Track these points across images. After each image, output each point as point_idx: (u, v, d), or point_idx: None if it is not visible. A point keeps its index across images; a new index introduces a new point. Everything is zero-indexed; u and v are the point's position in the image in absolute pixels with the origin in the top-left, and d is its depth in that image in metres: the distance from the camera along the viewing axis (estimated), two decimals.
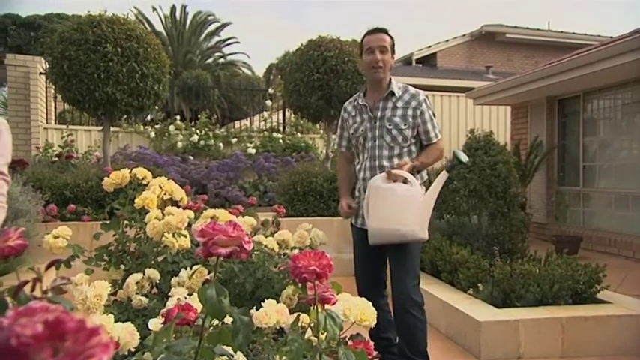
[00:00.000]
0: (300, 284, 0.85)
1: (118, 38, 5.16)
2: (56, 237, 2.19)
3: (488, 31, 14.91)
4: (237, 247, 0.86)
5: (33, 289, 1.00)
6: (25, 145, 7.14)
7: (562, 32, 15.01)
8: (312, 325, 1.16)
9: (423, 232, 2.30)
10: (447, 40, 15.40)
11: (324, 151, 7.15)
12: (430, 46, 15.30)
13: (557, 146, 7.33)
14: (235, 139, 8.41)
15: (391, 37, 2.45)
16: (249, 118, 10.75)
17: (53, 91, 7.72)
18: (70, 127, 7.76)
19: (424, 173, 2.53)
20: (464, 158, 2.39)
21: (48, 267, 1.03)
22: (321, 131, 9.11)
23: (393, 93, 2.44)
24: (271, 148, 8.20)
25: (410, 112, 2.42)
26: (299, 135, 8.94)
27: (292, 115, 9.35)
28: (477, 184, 4.07)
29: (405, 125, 2.41)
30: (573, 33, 14.93)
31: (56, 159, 6.23)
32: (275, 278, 2.55)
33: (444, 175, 2.38)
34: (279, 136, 8.70)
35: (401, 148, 2.43)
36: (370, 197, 2.35)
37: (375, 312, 1.52)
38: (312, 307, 1.09)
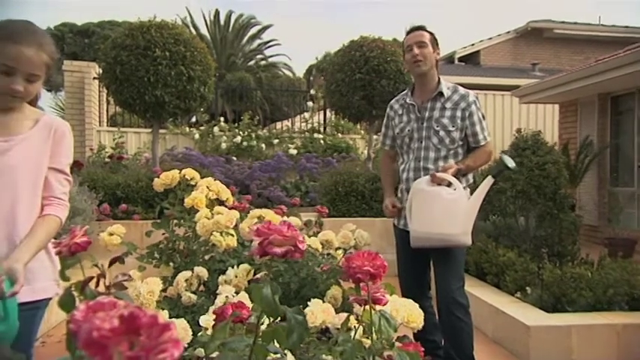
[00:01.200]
0: (353, 284, 0.85)
1: (167, 43, 5.34)
2: (111, 234, 2.28)
3: (535, 27, 14.43)
4: (292, 246, 0.87)
5: (97, 284, 1.06)
6: (80, 146, 7.49)
7: (614, 26, 14.34)
8: (358, 325, 1.16)
9: (466, 238, 2.26)
10: (491, 38, 15.03)
11: (366, 152, 7.13)
12: (473, 44, 14.97)
13: (610, 145, 7.02)
14: (277, 140, 8.51)
15: (430, 33, 2.42)
16: (290, 119, 10.86)
17: (105, 94, 8.07)
18: (121, 129, 8.08)
19: (470, 176, 2.48)
20: (510, 163, 2.33)
21: (110, 264, 1.08)
22: (362, 131, 9.09)
23: (441, 93, 2.40)
24: (312, 149, 8.25)
25: (459, 113, 2.38)
26: (340, 135, 8.95)
27: (333, 116, 9.39)
28: (524, 184, 3.96)
29: (453, 127, 2.37)
30: (626, 27, 14.23)
31: (108, 160, 6.50)
32: (319, 278, 2.57)
33: (489, 180, 2.31)
34: (320, 136, 8.74)
35: (447, 150, 2.38)
36: (413, 200, 2.33)
37: (422, 314, 1.51)
38: (362, 308, 1.10)
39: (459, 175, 2.34)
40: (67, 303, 1.04)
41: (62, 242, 1.07)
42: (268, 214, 2.59)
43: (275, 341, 0.93)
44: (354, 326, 1.11)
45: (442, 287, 2.37)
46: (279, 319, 0.97)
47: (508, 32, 15.02)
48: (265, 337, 0.94)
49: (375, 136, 6.88)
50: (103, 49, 5.56)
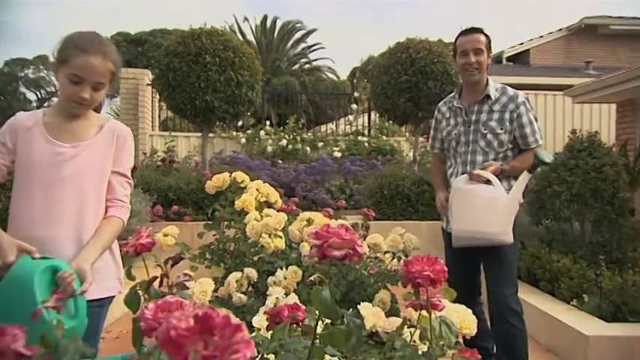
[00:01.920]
0: (412, 289, 0.85)
1: (216, 49, 5.48)
2: (166, 235, 2.36)
3: (589, 24, 13.83)
4: (351, 250, 0.88)
5: (161, 284, 1.11)
6: (134, 150, 7.79)
7: None
8: (414, 330, 1.15)
9: (505, 235, 2.21)
10: (542, 36, 14.53)
11: (411, 154, 7.04)
12: (522, 43, 14.52)
13: None
14: (322, 143, 8.56)
15: (487, 36, 2.36)
16: (334, 122, 10.88)
17: (157, 100, 8.37)
18: (172, 133, 8.36)
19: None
20: (547, 158, 2.26)
21: (173, 264, 1.13)
22: (407, 134, 9.00)
23: (489, 96, 2.35)
24: (356, 151, 8.24)
25: (507, 115, 2.32)
26: (384, 138, 8.90)
27: (377, 118, 9.33)
28: (580, 187, 3.80)
29: (501, 129, 2.31)
30: None
31: (160, 163, 6.74)
32: (367, 282, 2.57)
33: (525, 176, 2.25)
34: (365, 139, 8.72)
35: (496, 154, 2.33)
36: (453, 199, 2.32)
37: (476, 320, 1.48)
38: (417, 313, 1.09)
39: (501, 174, 2.28)
40: (132, 301, 1.09)
41: (128, 243, 1.12)
42: (317, 217, 2.62)
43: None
44: (410, 331, 1.10)
45: (495, 293, 2.31)
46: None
47: (560, 30, 14.48)
48: (322, 340, 0.95)
49: (420, 139, 6.80)
50: (157, 56, 5.78)
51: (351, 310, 1.41)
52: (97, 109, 1.62)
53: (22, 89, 37.11)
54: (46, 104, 33.69)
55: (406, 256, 2.53)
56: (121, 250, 1.65)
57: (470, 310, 1.50)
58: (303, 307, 1.18)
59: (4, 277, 1.27)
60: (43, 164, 1.45)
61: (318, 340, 0.93)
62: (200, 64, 5.43)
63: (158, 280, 1.07)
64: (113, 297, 1.58)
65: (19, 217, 1.46)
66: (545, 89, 9.59)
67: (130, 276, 1.12)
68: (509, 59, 14.32)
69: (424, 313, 1.01)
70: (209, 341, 0.53)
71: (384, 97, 6.03)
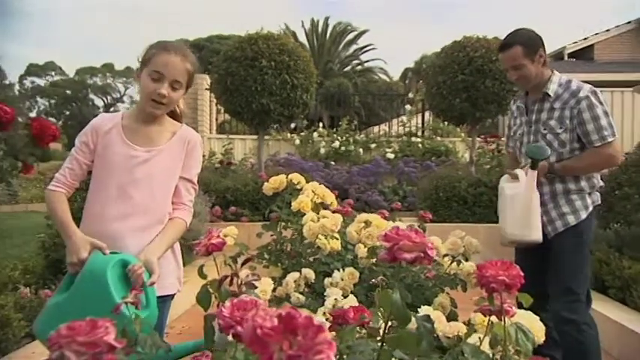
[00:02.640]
0: (486, 294, 0.83)
1: (272, 53, 5.60)
2: (225, 236, 2.42)
3: None
4: (422, 252, 0.87)
5: (231, 283, 1.14)
6: None
7: None
8: (483, 336, 1.12)
9: (522, 233, 2.17)
10: (608, 30, 13.77)
11: (467, 155, 6.87)
12: (586, 38, 13.82)
13: None
14: (374, 144, 8.52)
15: (522, 44, 2.17)
16: (387, 123, 10.80)
17: (215, 104, 8.63)
18: (229, 136, 8.58)
19: (594, 180, 2.24)
20: (538, 154, 2.18)
21: (243, 264, 1.16)
22: (463, 134, 8.80)
23: (548, 94, 2.22)
24: (410, 153, 8.14)
25: (567, 112, 2.16)
26: (439, 139, 8.74)
27: (432, 119, 9.17)
28: None
29: (561, 128, 2.17)
30: None
31: (218, 165, 6.94)
32: (425, 285, 2.53)
33: (531, 174, 2.17)
34: (418, 140, 8.60)
35: (558, 154, 2.19)
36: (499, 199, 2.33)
37: (544, 327, 1.42)
38: (487, 318, 1.07)
39: (570, 175, 2.17)
40: (204, 299, 1.13)
41: (200, 242, 1.16)
42: (375, 218, 2.60)
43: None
44: (480, 337, 1.08)
45: (550, 300, 2.21)
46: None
47: (628, 22, 13.67)
48: (390, 343, 0.95)
49: (478, 139, 6.63)
50: (215, 61, 5.96)
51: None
52: (177, 118, 1.68)
53: (91, 96, 39.49)
54: (111, 109, 35.58)
55: (466, 259, 2.47)
56: (182, 252, 1.72)
57: (537, 317, 1.45)
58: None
59: (79, 272, 1.35)
60: (118, 165, 1.53)
61: (385, 343, 0.93)
62: (257, 68, 5.56)
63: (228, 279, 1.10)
64: (174, 295, 1.64)
65: (92, 213, 1.54)
66: (611, 86, 9.09)
67: (201, 274, 1.16)
68: (571, 55, 13.67)
69: (494, 318, 0.99)
70: (293, 341, 0.54)
71: (440, 97, 5.93)
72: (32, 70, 39.08)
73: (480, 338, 1.09)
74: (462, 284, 2.35)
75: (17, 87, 37.81)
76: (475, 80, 5.64)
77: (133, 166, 1.53)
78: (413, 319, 0.90)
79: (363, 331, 1.17)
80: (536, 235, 2.16)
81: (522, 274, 2.32)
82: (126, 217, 1.51)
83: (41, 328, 1.38)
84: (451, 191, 5.71)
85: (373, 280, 1.36)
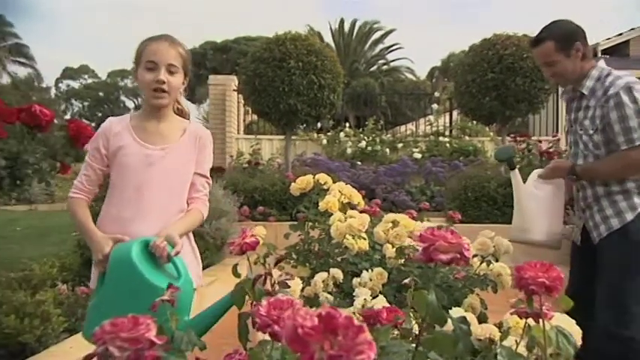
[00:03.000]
0: (525, 296, 0.82)
1: (300, 54, 5.64)
2: (253, 235, 2.44)
3: None
4: (458, 253, 0.86)
5: (264, 282, 1.15)
6: (221, 153, 8.19)
7: None
8: (519, 339, 1.11)
9: (520, 235, 2.23)
10: None
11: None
12: (621, 34, 13.38)
13: None
14: (401, 144, 8.46)
15: (554, 39, 2.03)
16: (414, 123, 10.71)
17: (243, 104, 8.72)
18: (257, 136, 8.64)
19: (615, 185, 2.02)
20: (502, 155, 2.16)
21: (277, 263, 1.17)
22: (492, 134, 8.65)
23: (582, 92, 2.07)
24: (437, 152, 8.05)
25: (598, 111, 1.99)
26: (467, 138, 8.61)
27: (459, 118, 9.05)
28: None
29: (592, 129, 2.02)
30: None
31: (246, 165, 7.01)
32: (455, 286, 2.50)
33: (512, 174, 2.26)
34: (446, 139, 8.50)
35: (594, 157, 2.04)
36: None
37: (581, 332, 1.39)
38: (523, 321, 1.05)
39: (571, 175, 2.09)
40: (238, 298, 1.15)
41: (234, 241, 1.18)
42: (403, 219, 2.59)
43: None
44: (516, 340, 1.06)
45: (595, 312, 2.08)
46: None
47: None
48: (426, 345, 0.94)
49: (507, 138, 6.51)
50: (244, 62, 6.03)
51: None
52: (185, 116, 1.71)
53: (122, 97, 40.52)
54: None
55: (496, 260, 2.44)
56: (211, 252, 1.74)
57: (573, 321, 1.41)
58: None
59: (107, 267, 1.38)
60: (134, 165, 1.55)
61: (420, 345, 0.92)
62: (284, 69, 5.60)
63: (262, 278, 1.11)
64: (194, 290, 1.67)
65: (110, 215, 1.58)
66: None
67: (235, 273, 1.18)
68: (605, 52, 13.27)
69: (531, 321, 0.97)
70: (333, 341, 0.54)
71: (469, 95, 5.85)
72: (67, 73, 40.38)
73: (516, 341, 1.08)
74: (492, 285, 2.31)
75: (53, 90, 39.17)
76: (505, 78, 5.54)
77: (148, 165, 1.56)
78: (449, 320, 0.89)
79: (395, 331, 1.17)
80: (531, 236, 2.16)
81: (573, 278, 2.24)
82: (144, 217, 1.54)
83: (86, 333, 1.41)
84: (480, 191, 5.63)
85: (405, 281, 1.35)
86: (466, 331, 0.87)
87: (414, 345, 0.94)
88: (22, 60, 31.63)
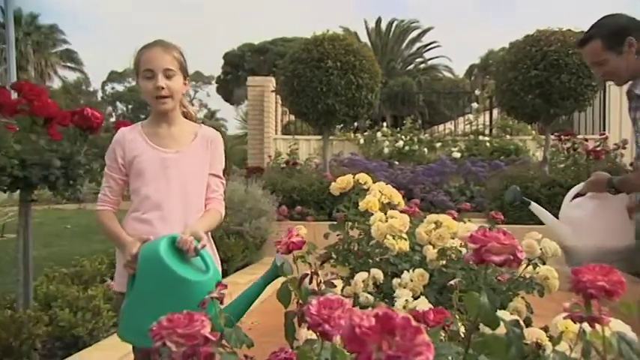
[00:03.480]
0: (584, 300, 0.79)
1: (338, 53, 5.64)
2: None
3: None
4: (511, 255, 0.85)
5: (311, 281, 1.16)
6: (259, 153, 8.30)
7: None
8: (574, 345, 1.07)
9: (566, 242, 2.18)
10: None
11: (539, 154, 6.55)
12: None
13: None
14: (439, 144, 8.34)
15: (602, 37, 1.92)
16: (452, 122, 10.54)
17: (280, 105, 8.81)
18: (294, 137, 8.71)
19: None
20: (509, 198, 2.07)
21: (322, 262, 1.18)
22: (534, 132, 8.41)
23: (636, 92, 1.92)
24: (477, 152, 7.89)
25: None
26: (508, 137, 8.40)
27: (500, 117, 8.84)
28: None
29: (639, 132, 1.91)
30: None
31: (284, 166, 7.08)
32: (499, 289, 2.44)
33: (534, 209, 2.39)
34: (486, 138, 8.32)
35: None
36: None
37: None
38: (579, 326, 1.02)
39: (610, 189, 1.98)
40: (284, 296, 1.16)
41: (281, 240, 1.19)
42: (445, 219, 2.55)
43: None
44: (570, 346, 1.03)
45: None
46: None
47: None
48: (475, 347, 0.92)
49: (551, 137, 6.31)
50: (282, 63, 6.09)
51: None
52: (192, 120, 1.75)
53: None
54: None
55: (543, 263, 2.37)
56: (251, 250, 1.76)
57: (628, 327, 1.36)
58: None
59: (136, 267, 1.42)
60: (151, 170, 1.59)
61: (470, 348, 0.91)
62: (322, 69, 5.62)
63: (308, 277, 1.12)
64: None
65: (134, 220, 1.61)
66: None
67: (282, 272, 1.19)
68: None
69: (586, 326, 0.94)
70: (391, 341, 0.54)
71: (511, 93, 5.70)
72: (113, 76, 41.86)
73: (570, 346, 1.04)
74: (538, 289, 2.25)
75: (100, 93, 40.79)
76: (549, 75, 5.37)
77: (165, 168, 1.60)
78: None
79: (442, 333, 1.16)
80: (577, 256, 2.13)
81: (624, 281, 2.19)
82: (165, 219, 1.57)
83: (121, 333, 1.46)
84: (523, 191, 5.47)
85: (451, 282, 1.33)
86: (519, 334, 0.85)
87: (462, 347, 0.93)
88: (72, 65, 33.14)
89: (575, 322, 1.00)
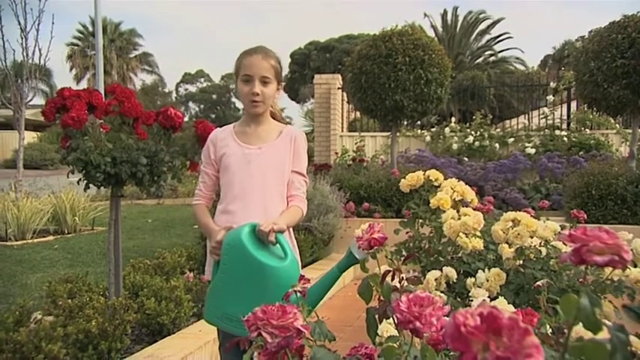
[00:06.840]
0: None
1: (407, 49, 5.56)
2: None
3: None
4: (616, 256, 0.80)
5: (393, 278, 1.15)
6: (326, 150, 8.37)
7: None
8: None
9: None
10: None
11: (626, 149, 6.08)
12: None
13: None
14: (512, 139, 7.99)
15: None
16: (526, 115, 10.05)
17: (346, 102, 8.82)
18: (361, 133, 8.69)
19: None
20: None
21: (405, 260, 1.17)
22: (617, 126, 7.84)
23: None
24: (553, 147, 7.48)
25: None
26: (587, 131, 7.89)
27: (578, 110, 8.33)
28: None
29: None
30: None
31: (351, 162, 7.09)
32: (582, 291, 2.31)
33: None
34: (564, 133, 7.86)
35: None
36: None
37: None
38: None
39: None
40: (365, 292, 1.16)
41: (362, 237, 1.19)
42: (523, 217, 2.45)
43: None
44: None
45: None
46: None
47: None
48: (574, 352, 0.88)
49: (639, 130, 5.87)
50: (349, 60, 6.08)
51: None
52: (279, 120, 1.85)
53: (233, 99, 43.22)
54: None
55: (634, 265, 2.21)
56: (318, 247, 1.78)
57: None
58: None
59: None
60: (236, 164, 1.72)
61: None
62: (390, 65, 5.56)
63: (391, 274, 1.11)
64: None
65: (221, 211, 1.74)
66: None
67: (363, 268, 1.19)
68: None
69: None
70: (497, 342, 0.53)
71: (593, 85, 5.35)
72: (186, 78, 43.88)
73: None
74: (628, 292, 2.11)
75: (174, 94, 42.98)
76: (637, 64, 4.98)
77: (248, 162, 1.71)
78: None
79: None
80: None
81: None
82: (248, 210, 1.67)
83: (207, 313, 1.55)
84: (606, 189, 5.14)
85: (537, 283, 1.28)
86: (624, 340, 0.80)
87: (556, 351, 0.89)
88: (148, 68, 35.11)
89: None
